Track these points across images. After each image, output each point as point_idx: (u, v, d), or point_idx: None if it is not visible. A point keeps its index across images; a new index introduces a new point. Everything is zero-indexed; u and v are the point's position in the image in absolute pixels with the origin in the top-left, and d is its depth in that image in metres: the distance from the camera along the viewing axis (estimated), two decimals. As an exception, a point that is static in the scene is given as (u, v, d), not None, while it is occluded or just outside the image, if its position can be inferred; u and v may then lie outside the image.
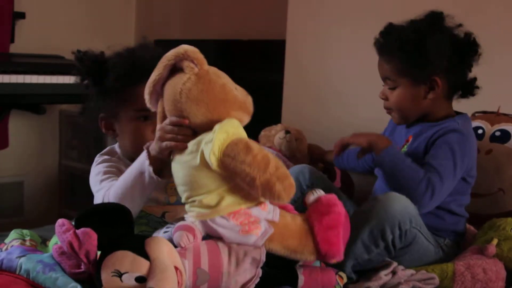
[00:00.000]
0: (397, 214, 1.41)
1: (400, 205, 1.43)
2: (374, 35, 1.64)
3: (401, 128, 1.73)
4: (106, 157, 1.51)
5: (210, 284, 1.16)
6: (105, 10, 3.34)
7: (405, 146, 1.65)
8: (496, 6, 1.92)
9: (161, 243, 1.12)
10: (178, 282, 1.09)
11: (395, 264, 1.43)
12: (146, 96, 1.24)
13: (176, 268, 1.10)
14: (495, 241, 1.51)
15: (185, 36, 3.31)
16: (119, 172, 1.42)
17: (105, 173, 1.43)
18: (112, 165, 1.47)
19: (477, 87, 1.63)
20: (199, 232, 1.20)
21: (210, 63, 3.02)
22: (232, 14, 3.14)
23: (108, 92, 1.47)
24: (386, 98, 1.65)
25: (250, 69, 2.92)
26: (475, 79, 1.63)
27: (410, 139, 1.65)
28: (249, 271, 1.17)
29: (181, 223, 1.21)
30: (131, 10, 3.52)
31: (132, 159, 1.39)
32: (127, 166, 1.39)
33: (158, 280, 1.05)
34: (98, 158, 1.51)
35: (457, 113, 1.66)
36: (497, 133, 1.87)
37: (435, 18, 1.58)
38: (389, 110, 1.67)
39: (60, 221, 1.15)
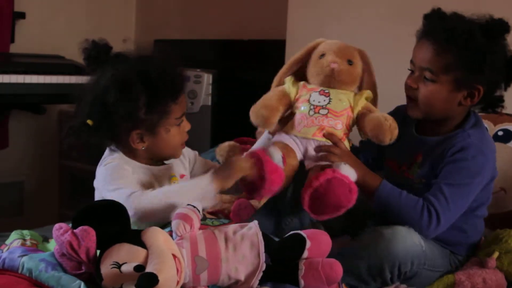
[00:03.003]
0: (399, 256, 1.39)
1: (404, 246, 1.39)
2: (375, 34, 1.62)
3: (410, 134, 1.62)
4: (121, 163, 1.44)
5: (210, 272, 1.16)
6: (105, 10, 3.34)
7: (415, 166, 1.56)
8: (499, 5, 1.91)
9: (156, 232, 1.13)
10: (177, 270, 1.09)
11: (397, 283, 1.43)
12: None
13: (174, 256, 1.10)
14: (495, 254, 1.50)
15: (185, 36, 3.30)
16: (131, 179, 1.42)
17: (122, 176, 1.41)
18: (128, 172, 1.43)
19: (503, 106, 1.55)
20: (196, 221, 1.21)
21: (210, 63, 3.02)
22: (232, 14, 3.13)
23: (149, 110, 1.39)
24: (417, 88, 1.51)
25: (250, 69, 2.91)
26: (502, 96, 1.55)
27: (420, 159, 1.55)
28: (251, 261, 1.17)
29: (178, 211, 1.22)
30: (131, 10, 3.51)
31: (160, 160, 1.50)
32: (146, 173, 1.45)
33: (155, 264, 1.06)
34: (115, 161, 1.44)
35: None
36: (500, 133, 1.87)
37: (503, 27, 1.46)
38: (412, 101, 1.54)
39: (57, 225, 1.15)
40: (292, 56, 1.67)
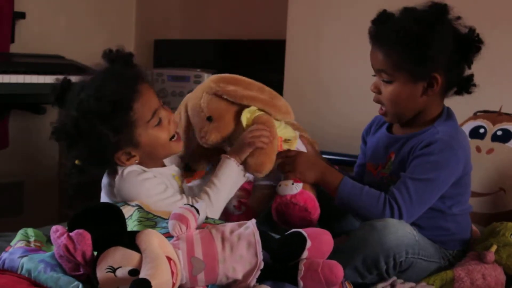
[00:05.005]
0: (392, 246, 1.38)
1: (397, 236, 1.39)
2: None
3: (383, 135, 1.64)
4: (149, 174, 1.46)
5: (207, 273, 1.16)
6: (105, 10, 3.34)
7: (389, 164, 1.56)
8: (498, 5, 1.92)
9: (151, 235, 1.12)
10: (173, 272, 1.09)
11: (394, 277, 1.42)
12: None
13: (169, 259, 1.10)
14: (494, 248, 1.50)
15: (185, 36, 3.30)
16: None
17: (166, 186, 1.47)
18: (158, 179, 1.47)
19: (474, 85, 1.53)
20: (193, 221, 1.20)
21: (210, 63, 3.02)
22: (232, 14, 3.14)
23: (115, 132, 1.37)
24: (378, 92, 1.54)
25: (250, 69, 2.91)
26: (472, 76, 1.53)
27: (393, 157, 1.56)
28: (248, 260, 1.17)
29: (175, 211, 1.21)
30: (131, 10, 3.51)
31: (162, 159, 1.53)
32: (160, 176, 1.48)
33: (149, 269, 1.05)
34: (145, 175, 1.44)
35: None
36: (499, 133, 1.87)
37: (439, 10, 1.48)
38: (381, 104, 1.56)
39: (53, 228, 1.15)
40: (290, 56, 1.69)
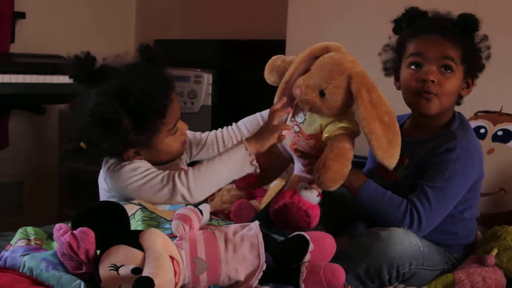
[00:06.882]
0: (396, 257, 1.39)
1: (402, 247, 1.39)
2: (375, 34, 1.62)
3: None
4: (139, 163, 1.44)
5: (210, 273, 1.16)
6: (105, 10, 3.34)
7: (402, 168, 1.56)
8: (499, 6, 1.92)
9: (154, 234, 1.12)
10: (175, 272, 1.09)
11: (395, 283, 1.43)
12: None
13: (172, 258, 1.10)
14: (494, 252, 1.51)
15: (185, 36, 3.31)
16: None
17: (147, 167, 1.43)
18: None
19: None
20: (196, 221, 1.20)
21: (210, 63, 3.01)
22: (232, 14, 3.14)
23: (138, 132, 1.36)
24: (438, 82, 1.50)
25: (250, 69, 2.91)
26: None
27: (406, 161, 1.56)
28: (251, 261, 1.17)
29: (178, 211, 1.22)
30: (131, 10, 3.51)
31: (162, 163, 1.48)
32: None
33: (152, 268, 1.05)
34: (130, 165, 1.42)
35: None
36: (499, 133, 1.88)
37: (478, 23, 1.54)
38: (430, 95, 1.51)
39: (57, 225, 1.15)
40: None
